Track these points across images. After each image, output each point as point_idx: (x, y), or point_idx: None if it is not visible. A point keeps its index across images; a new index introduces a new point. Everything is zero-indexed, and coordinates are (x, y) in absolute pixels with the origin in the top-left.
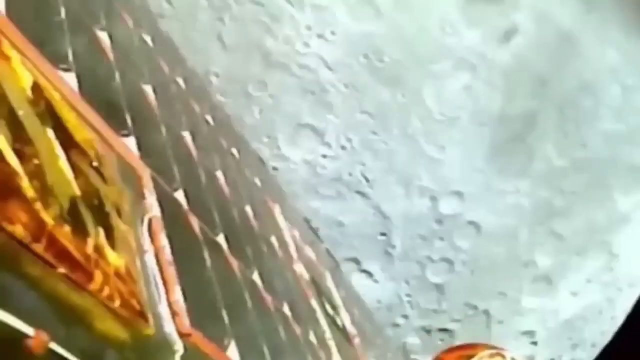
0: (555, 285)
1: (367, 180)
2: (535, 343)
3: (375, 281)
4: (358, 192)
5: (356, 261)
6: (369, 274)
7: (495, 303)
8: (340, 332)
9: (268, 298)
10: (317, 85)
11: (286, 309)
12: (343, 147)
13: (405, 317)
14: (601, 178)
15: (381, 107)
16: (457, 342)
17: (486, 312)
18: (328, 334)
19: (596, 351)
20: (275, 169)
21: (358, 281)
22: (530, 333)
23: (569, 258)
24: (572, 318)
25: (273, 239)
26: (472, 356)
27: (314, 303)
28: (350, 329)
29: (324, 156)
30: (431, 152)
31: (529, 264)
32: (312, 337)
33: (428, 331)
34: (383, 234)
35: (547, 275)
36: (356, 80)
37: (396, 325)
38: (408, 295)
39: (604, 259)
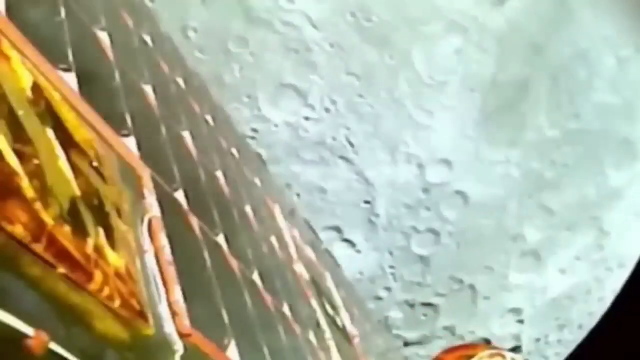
0: (544, 261)
1: (351, 145)
2: (521, 321)
3: (358, 251)
4: (342, 157)
5: (338, 230)
6: (351, 243)
7: (482, 278)
8: (340, 332)
9: (268, 298)
10: (301, 44)
11: (286, 309)
12: (327, 110)
13: (388, 289)
14: (593, 151)
15: (368, 69)
16: (441, 318)
17: (472, 287)
18: (328, 334)
19: (583, 333)
20: (255, 130)
21: (339, 251)
22: (516, 310)
23: (558, 233)
24: (560, 297)
25: (273, 239)
26: (472, 356)
27: (314, 303)
28: (350, 329)
29: (307, 118)
30: (419, 118)
31: (517, 237)
32: (312, 337)
33: (411, 305)
34: (367, 202)
35: (535, 250)
36: (342, 40)
37: (378, 298)
38: (391, 266)
39: (594, 236)
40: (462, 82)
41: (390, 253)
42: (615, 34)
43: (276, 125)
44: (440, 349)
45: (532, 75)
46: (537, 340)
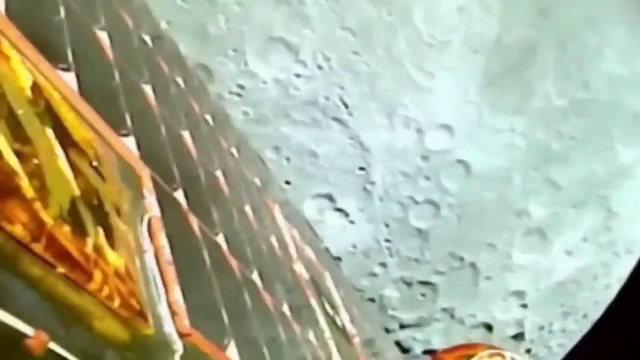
0: (550, 241)
1: (346, 106)
2: (525, 306)
3: (351, 222)
4: (335, 119)
5: (330, 198)
6: (344, 213)
7: (484, 256)
8: (340, 332)
9: (268, 298)
10: None
11: (286, 309)
12: (320, 67)
13: (384, 265)
14: (603, 124)
15: (365, 25)
16: (440, 299)
17: (473, 266)
18: (328, 334)
19: (588, 324)
20: (241, 87)
21: (332, 221)
22: (520, 294)
23: (565, 211)
24: (566, 281)
25: (273, 239)
26: (472, 356)
27: (314, 303)
28: (350, 329)
29: (298, 76)
30: (419, 79)
31: (522, 213)
32: (312, 337)
33: (409, 284)
34: (362, 169)
35: (541, 228)
36: None
37: (373, 274)
38: (388, 240)
39: (602, 217)
40: (465, 43)
41: (387, 225)
42: (626, 2)
43: (265, 82)
44: (437, 332)
45: (539, 39)
46: (541, 328)
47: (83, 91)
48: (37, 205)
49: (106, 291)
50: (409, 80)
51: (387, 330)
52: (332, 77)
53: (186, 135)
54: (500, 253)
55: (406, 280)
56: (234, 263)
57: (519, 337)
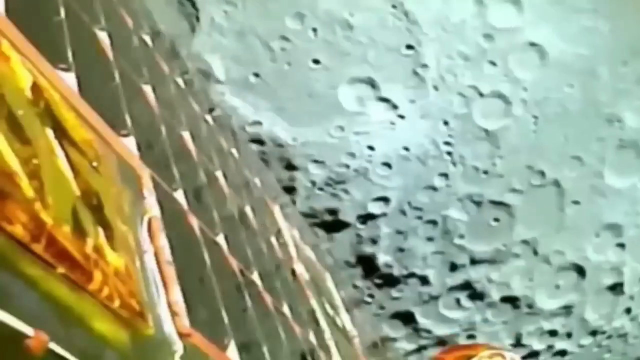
0: None
1: None
2: (622, 246)
3: (401, 116)
4: None
5: (372, 83)
6: (391, 104)
7: (569, 173)
8: (340, 332)
9: (268, 298)
10: None
11: (286, 309)
12: None
13: (445, 176)
14: None
15: None
16: (518, 227)
17: (556, 184)
18: (328, 334)
19: None
20: None
21: (375, 115)
22: (615, 228)
23: None
24: None
25: (273, 239)
26: (472, 356)
27: (314, 303)
28: (350, 329)
29: None
30: None
31: (613, 119)
32: (312, 337)
33: (478, 203)
34: (410, 47)
35: (636, 141)
36: None
37: (432, 188)
38: (447, 143)
39: None
40: None
41: (446, 123)
42: None
43: None
44: (518, 272)
45: None
46: None
47: (83, 91)
48: (37, 205)
49: (106, 291)
50: None
51: (454, 266)
52: None
53: (186, 135)
54: (588, 170)
55: (474, 199)
56: (234, 263)
57: (616, 288)
